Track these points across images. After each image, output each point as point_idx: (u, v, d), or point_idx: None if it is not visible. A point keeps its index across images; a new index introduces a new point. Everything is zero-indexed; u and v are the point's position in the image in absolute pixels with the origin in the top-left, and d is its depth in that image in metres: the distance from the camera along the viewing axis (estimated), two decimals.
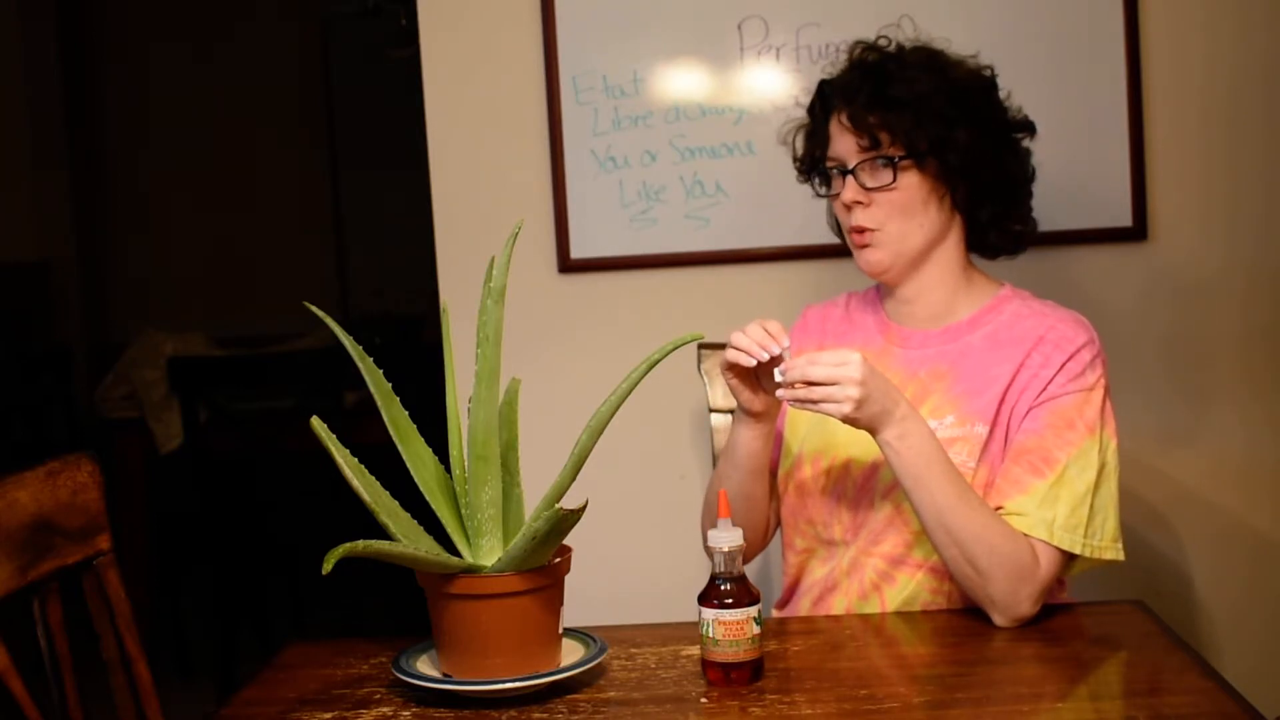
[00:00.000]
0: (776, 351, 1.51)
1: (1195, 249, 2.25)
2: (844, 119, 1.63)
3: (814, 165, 1.72)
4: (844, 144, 1.64)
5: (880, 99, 1.61)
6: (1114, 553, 1.55)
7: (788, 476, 1.72)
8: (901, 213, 1.62)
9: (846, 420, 1.47)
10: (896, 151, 1.60)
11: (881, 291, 1.74)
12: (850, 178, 1.63)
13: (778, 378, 1.49)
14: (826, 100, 1.69)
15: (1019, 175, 1.69)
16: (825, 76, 1.71)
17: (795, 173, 1.78)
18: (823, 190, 1.71)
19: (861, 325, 1.75)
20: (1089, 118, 2.23)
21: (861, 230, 1.63)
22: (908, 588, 1.61)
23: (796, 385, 1.47)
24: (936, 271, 1.67)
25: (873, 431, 1.50)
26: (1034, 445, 1.56)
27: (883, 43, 1.69)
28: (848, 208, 1.64)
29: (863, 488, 1.64)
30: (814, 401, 1.47)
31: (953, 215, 1.66)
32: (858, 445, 1.64)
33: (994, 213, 1.67)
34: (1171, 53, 2.23)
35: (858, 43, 1.70)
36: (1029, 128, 1.70)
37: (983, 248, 1.71)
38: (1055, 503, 1.52)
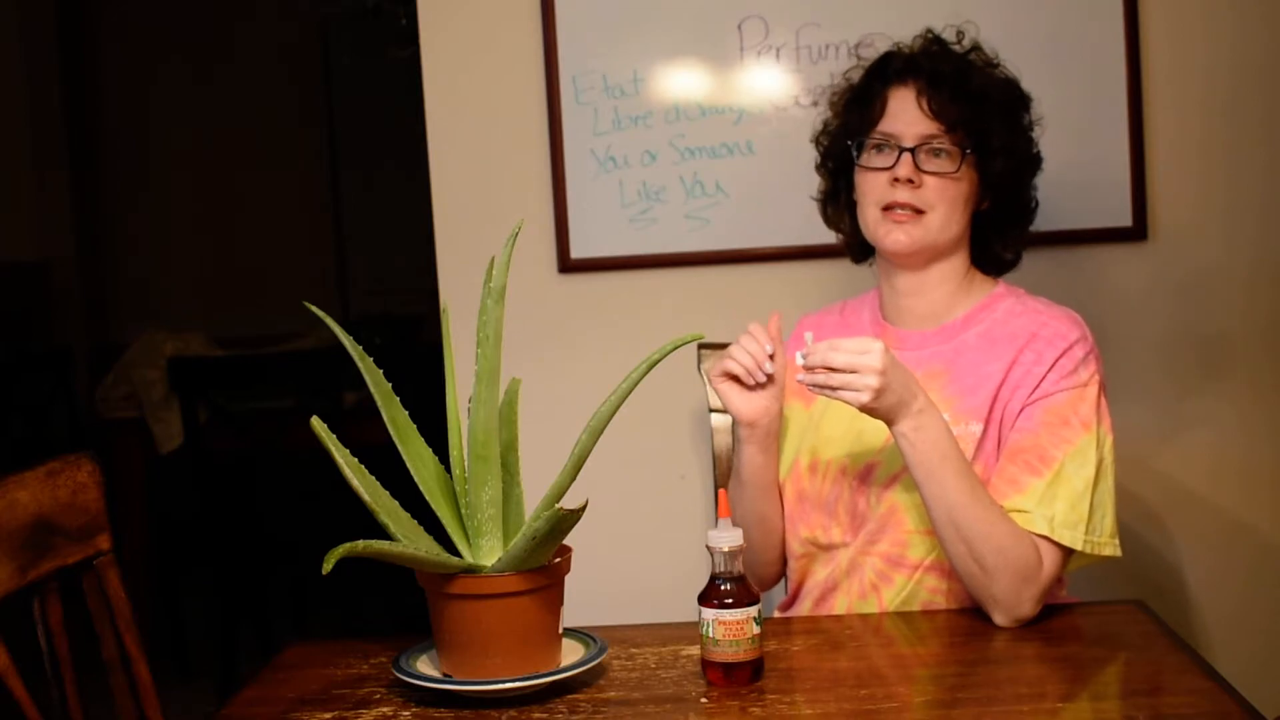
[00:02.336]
0: (770, 370, 1.56)
1: (1195, 249, 2.25)
2: (922, 98, 1.62)
3: (854, 133, 1.68)
4: (908, 118, 1.63)
5: (967, 90, 1.63)
6: (1112, 549, 1.56)
7: (785, 483, 1.72)
8: (949, 203, 1.62)
9: (864, 409, 1.47)
10: (969, 144, 1.61)
11: (881, 290, 1.74)
12: (908, 155, 1.61)
13: (799, 361, 1.49)
14: (889, 73, 1.67)
15: (1032, 201, 1.73)
16: (891, 51, 1.70)
17: (816, 133, 1.77)
18: (856, 158, 1.67)
19: (858, 330, 1.74)
20: (1089, 117, 2.23)
21: (904, 206, 1.61)
22: (905, 588, 1.61)
23: (817, 370, 1.47)
24: (943, 270, 1.67)
25: (889, 422, 1.49)
26: (1029, 444, 1.56)
27: (956, 36, 1.71)
28: (895, 183, 1.61)
29: (858, 489, 1.64)
30: (833, 388, 1.46)
31: (968, 227, 1.67)
32: (851, 447, 1.65)
33: (1006, 232, 1.70)
34: (1171, 53, 2.23)
35: (929, 29, 1.71)
36: (1040, 163, 1.74)
37: (982, 261, 1.72)
38: (1054, 500, 1.52)
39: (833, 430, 1.68)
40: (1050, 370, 1.58)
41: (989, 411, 1.59)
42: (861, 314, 1.77)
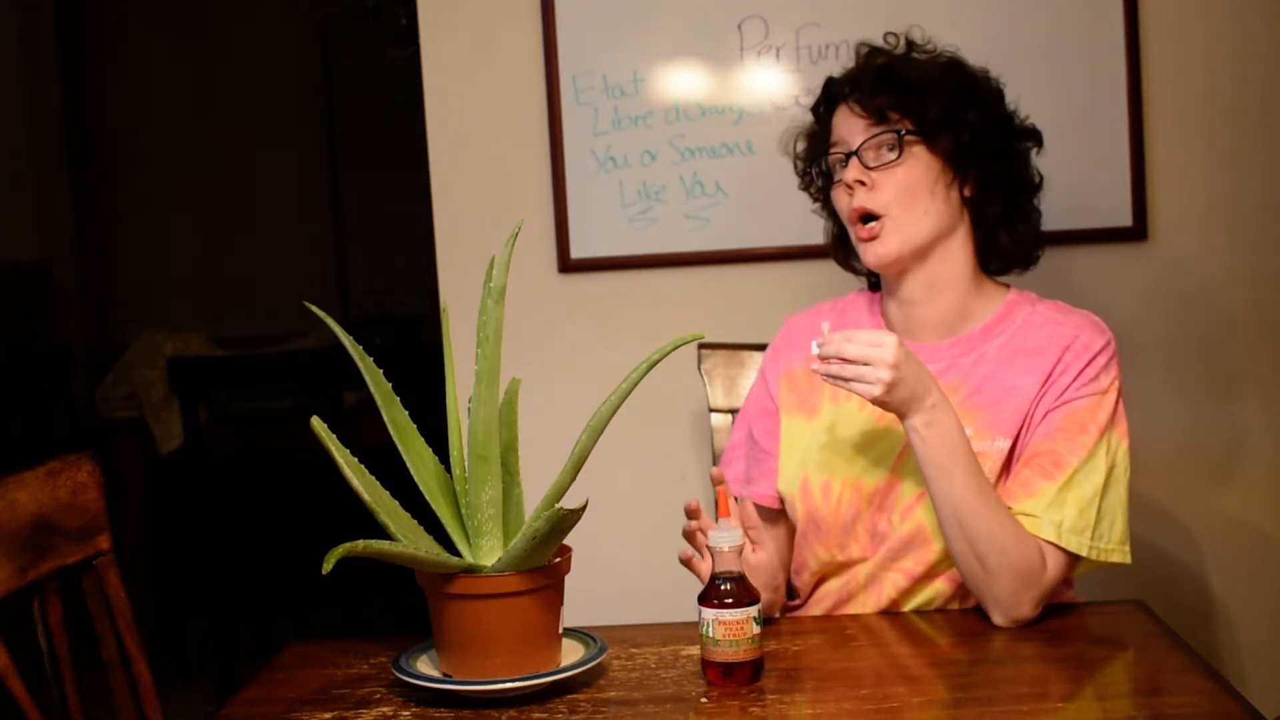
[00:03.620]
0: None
1: (1195, 249, 2.25)
2: (852, 103, 1.62)
3: (815, 161, 1.70)
4: (849, 128, 1.62)
5: (889, 79, 1.61)
6: (1121, 555, 1.54)
7: (792, 499, 1.67)
8: (908, 194, 1.58)
9: (876, 402, 1.46)
10: (904, 126, 1.59)
11: (886, 304, 1.70)
12: (854, 159, 1.60)
13: (814, 350, 1.48)
14: (832, 96, 1.68)
15: (1028, 179, 1.67)
16: (831, 76, 1.70)
17: (796, 177, 1.77)
18: (821, 183, 1.69)
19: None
20: (1089, 118, 2.23)
21: (865, 217, 1.60)
22: (923, 596, 1.61)
23: (831, 361, 1.46)
24: (945, 270, 1.62)
25: (901, 416, 1.48)
26: (1045, 449, 1.54)
27: (890, 41, 1.69)
28: (850, 190, 1.60)
29: (880, 508, 1.61)
30: (846, 379, 1.45)
31: (961, 211, 1.62)
32: (866, 464, 1.62)
33: (1003, 212, 1.64)
34: (1171, 53, 2.23)
35: (863, 43, 1.70)
36: (1036, 138, 1.69)
37: (992, 255, 1.66)
38: (1063, 505, 1.51)
39: (844, 446, 1.64)
40: (1075, 379, 1.56)
41: (1020, 427, 1.57)
42: (859, 315, 1.73)
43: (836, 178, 1.64)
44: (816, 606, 1.69)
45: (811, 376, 1.66)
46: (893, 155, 1.59)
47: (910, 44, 1.69)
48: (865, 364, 1.44)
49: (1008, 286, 1.69)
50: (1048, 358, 1.58)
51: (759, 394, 1.78)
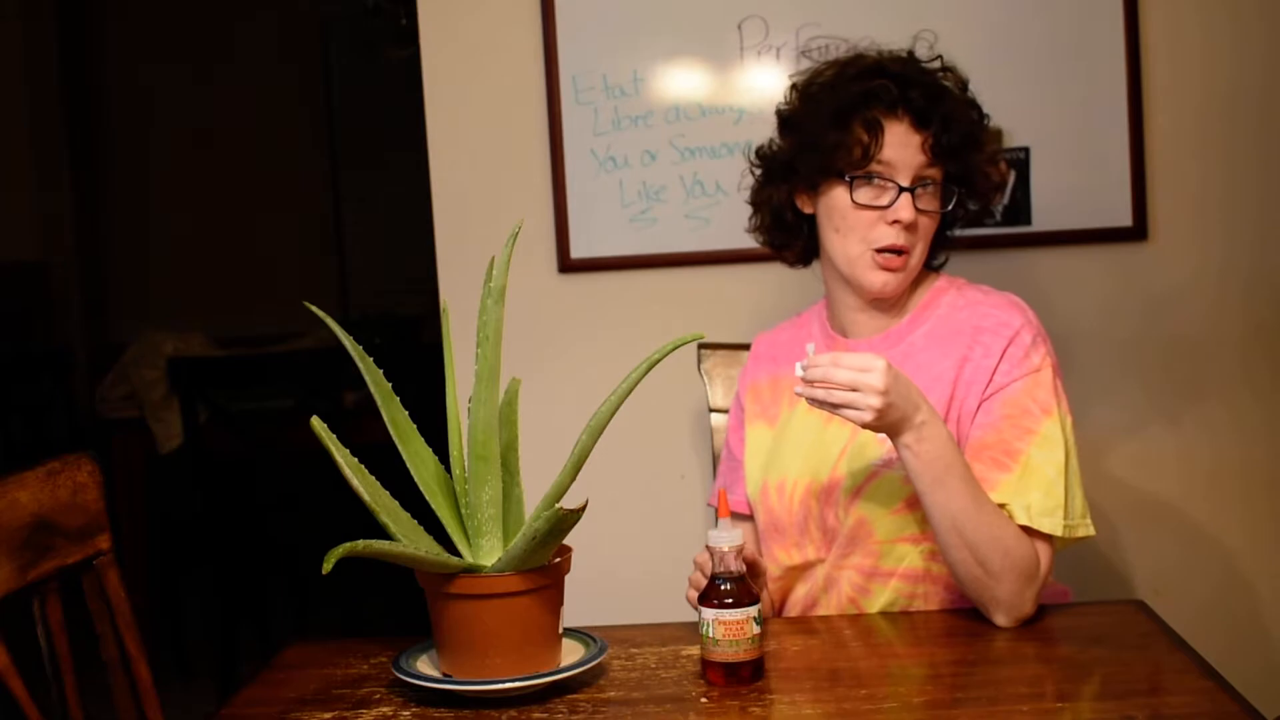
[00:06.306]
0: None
1: (1194, 249, 2.25)
2: (927, 144, 1.59)
3: (848, 163, 1.59)
4: (904, 157, 1.58)
5: (963, 133, 1.61)
6: (1085, 529, 1.55)
7: (756, 505, 1.72)
8: (927, 238, 1.63)
9: (867, 427, 1.45)
10: (959, 192, 1.63)
11: (832, 301, 1.72)
12: (907, 196, 1.58)
13: (799, 373, 1.46)
14: (883, 103, 1.59)
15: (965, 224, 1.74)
16: (885, 81, 1.60)
17: (776, 143, 1.71)
18: (856, 196, 1.59)
19: (808, 340, 1.72)
20: (1089, 118, 2.23)
21: (900, 251, 1.59)
22: (883, 596, 1.61)
23: (817, 385, 1.44)
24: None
25: (892, 435, 1.48)
26: (993, 440, 1.55)
27: (929, 53, 1.68)
28: (893, 224, 1.58)
29: (825, 504, 1.63)
30: (834, 405, 1.44)
31: None
32: (813, 463, 1.65)
33: (943, 246, 1.72)
34: (1171, 53, 2.23)
35: (909, 51, 1.67)
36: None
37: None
38: (1028, 491, 1.52)
39: (795, 447, 1.67)
40: (1000, 361, 1.57)
41: (945, 413, 1.58)
42: (811, 326, 1.76)
43: (869, 200, 1.59)
44: (788, 615, 1.71)
45: (775, 387, 1.72)
46: (938, 207, 1.62)
47: (949, 67, 1.67)
48: (854, 389, 1.42)
49: (936, 274, 1.71)
50: (964, 340, 1.60)
51: (734, 409, 1.84)
